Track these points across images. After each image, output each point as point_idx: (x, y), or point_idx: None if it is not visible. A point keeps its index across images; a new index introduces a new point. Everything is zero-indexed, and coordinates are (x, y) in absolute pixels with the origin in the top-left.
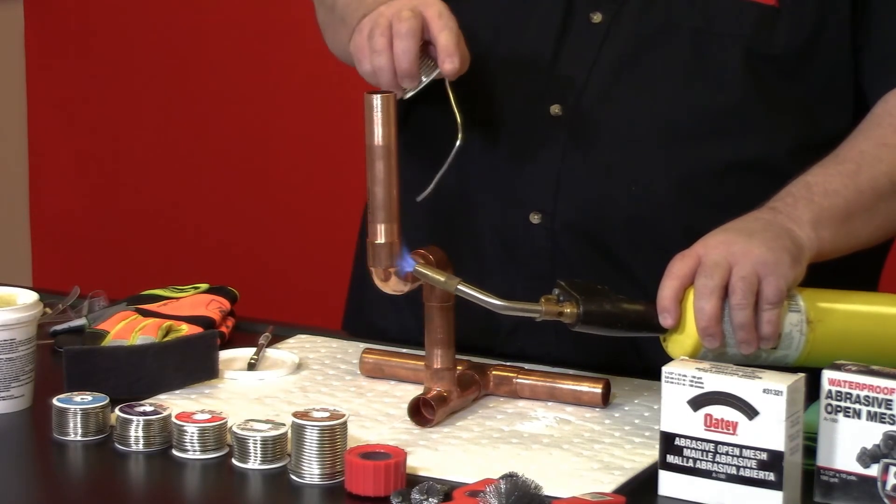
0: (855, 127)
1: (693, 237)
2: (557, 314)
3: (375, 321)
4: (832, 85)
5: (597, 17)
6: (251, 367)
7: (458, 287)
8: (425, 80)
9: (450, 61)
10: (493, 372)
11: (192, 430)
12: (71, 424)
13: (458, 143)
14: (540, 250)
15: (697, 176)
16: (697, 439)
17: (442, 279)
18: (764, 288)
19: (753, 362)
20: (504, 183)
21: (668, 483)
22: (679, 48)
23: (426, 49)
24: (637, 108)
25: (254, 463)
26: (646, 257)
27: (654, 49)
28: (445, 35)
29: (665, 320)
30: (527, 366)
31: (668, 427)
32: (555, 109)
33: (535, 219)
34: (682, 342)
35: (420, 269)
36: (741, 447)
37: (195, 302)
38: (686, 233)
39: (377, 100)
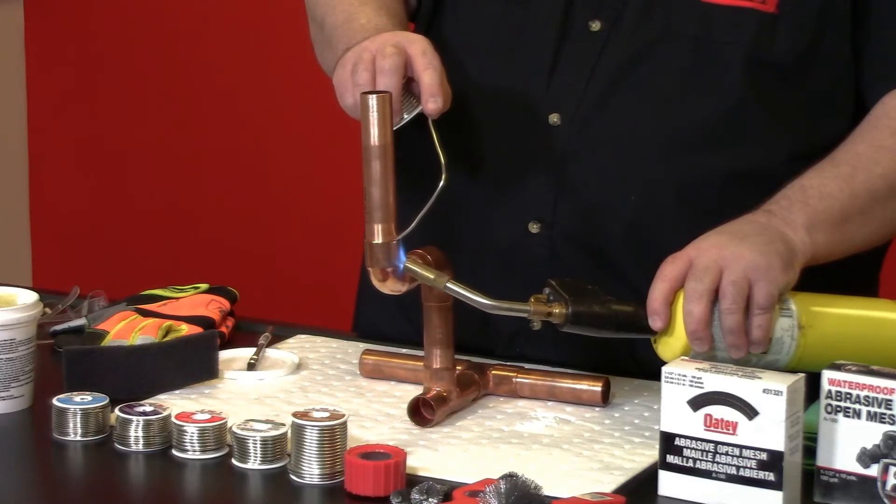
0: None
1: None
2: (546, 314)
3: (374, 326)
4: (832, 92)
5: (595, 26)
6: (251, 367)
7: (447, 285)
8: (408, 116)
9: (433, 101)
10: (493, 372)
11: (191, 430)
12: (71, 424)
13: (441, 183)
14: (538, 259)
15: (697, 184)
16: (697, 439)
17: (431, 276)
18: (755, 293)
19: (743, 366)
20: (503, 192)
21: (668, 483)
22: (678, 56)
23: (409, 85)
24: (636, 116)
25: (254, 463)
26: (645, 266)
27: (654, 57)
28: (429, 74)
29: (654, 323)
30: (526, 365)
31: (667, 427)
32: (553, 118)
33: (534, 228)
34: (671, 345)
35: (410, 266)
36: (741, 447)
37: (195, 302)
38: (686, 241)
39: (373, 100)
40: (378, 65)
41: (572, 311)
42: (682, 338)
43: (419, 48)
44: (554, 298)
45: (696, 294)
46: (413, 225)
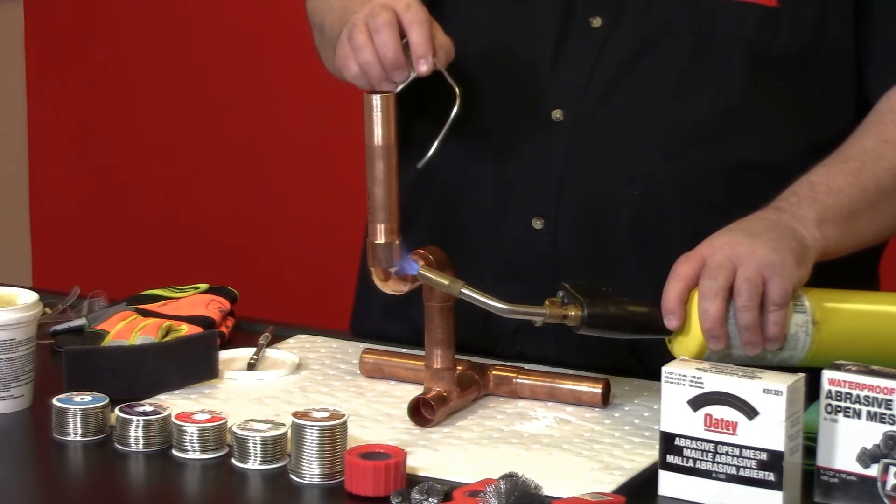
0: (858, 125)
1: (698, 240)
2: (562, 317)
3: (371, 325)
4: (835, 85)
5: (596, 22)
6: (251, 367)
7: (462, 290)
8: (413, 74)
9: (423, 62)
10: (493, 372)
11: (191, 430)
12: (71, 424)
13: (455, 110)
14: (542, 256)
15: (701, 178)
16: (697, 439)
17: (446, 282)
18: (769, 289)
19: (758, 363)
20: (506, 188)
21: (668, 483)
22: (680, 51)
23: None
24: (639, 111)
25: (254, 463)
26: (649, 261)
27: (655, 52)
28: (415, 31)
29: (670, 322)
30: (527, 366)
31: (668, 427)
32: (556, 114)
33: (537, 224)
34: (687, 344)
35: (424, 273)
36: (741, 447)
37: (195, 302)
38: (690, 236)
39: (377, 100)
40: (371, 25)
41: (588, 314)
42: (698, 336)
43: (403, 4)
44: (569, 301)
45: (710, 292)
46: (431, 153)
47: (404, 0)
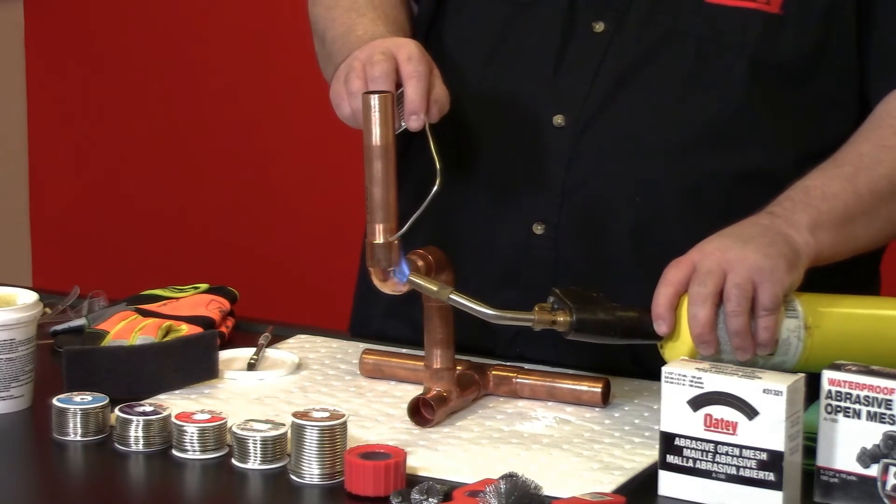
0: None
1: None
2: (550, 322)
3: (370, 326)
4: (838, 92)
5: (599, 27)
6: (251, 367)
7: (451, 296)
8: (404, 124)
9: (415, 119)
10: (493, 372)
11: (191, 430)
12: (71, 424)
13: (435, 188)
14: (542, 261)
15: (703, 185)
16: (697, 439)
17: (434, 288)
18: (759, 294)
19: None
20: (507, 193)
21: (668, 483)
22: (683, 57)
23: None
24: (641, 117)
25: (254, 463)
26: (650, 268)
27: (658, 58)
28: (412, 86)
29: (660, 328)
30: (526, 366)
31: (667, 427)
32: (557, 119)
33: (538, 229)
34: (677, 349)
35: (413, 279)
36: (741, 447)
37: (195, 302)
38: (691, 242)
39: (375, 100)
40: (368, 73)
41: (576, 319)
42: (688, 342)
43: (405, 53)
44: (558, 307)
45: (700, 297)
46: (405, 228)
47: (406, 49)
